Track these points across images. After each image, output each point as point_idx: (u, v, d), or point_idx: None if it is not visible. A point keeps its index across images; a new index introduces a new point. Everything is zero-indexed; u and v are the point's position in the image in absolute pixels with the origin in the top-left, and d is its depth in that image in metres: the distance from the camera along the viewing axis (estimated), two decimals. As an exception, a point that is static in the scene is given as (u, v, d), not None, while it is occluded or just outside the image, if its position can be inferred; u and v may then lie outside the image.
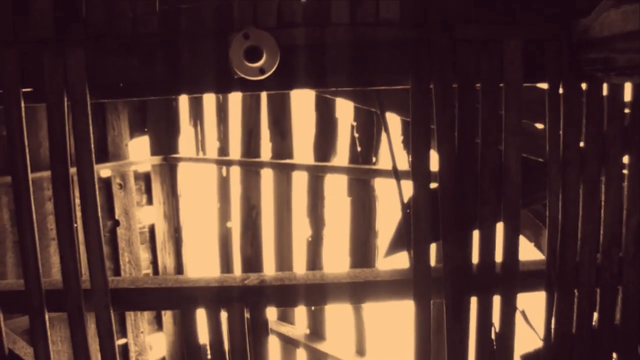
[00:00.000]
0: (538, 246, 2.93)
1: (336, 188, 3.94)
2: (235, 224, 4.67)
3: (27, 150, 2.04)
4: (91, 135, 2.03)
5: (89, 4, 1.99)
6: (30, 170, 2.04)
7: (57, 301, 2.15)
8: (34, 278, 2.12)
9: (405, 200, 2.30)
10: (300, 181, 4.05)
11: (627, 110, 2.13)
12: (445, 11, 2.01)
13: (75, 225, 2.09)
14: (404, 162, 3.28)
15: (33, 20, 1.98)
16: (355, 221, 3.78)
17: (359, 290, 2.18)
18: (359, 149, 3.77)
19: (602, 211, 2.14)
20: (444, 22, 2.01)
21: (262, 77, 1.97)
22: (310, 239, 4.05)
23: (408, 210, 2.21)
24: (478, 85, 2.05)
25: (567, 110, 2.07)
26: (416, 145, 2.09)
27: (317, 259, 3.99)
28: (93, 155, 2.05)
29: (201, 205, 5.32)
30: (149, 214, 5.18)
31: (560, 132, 2.08)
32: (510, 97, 2.05)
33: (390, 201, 3.70)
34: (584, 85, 2.07)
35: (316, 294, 2.19)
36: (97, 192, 2.06)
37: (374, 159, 3.71)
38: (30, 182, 2.06)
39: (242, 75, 1.97)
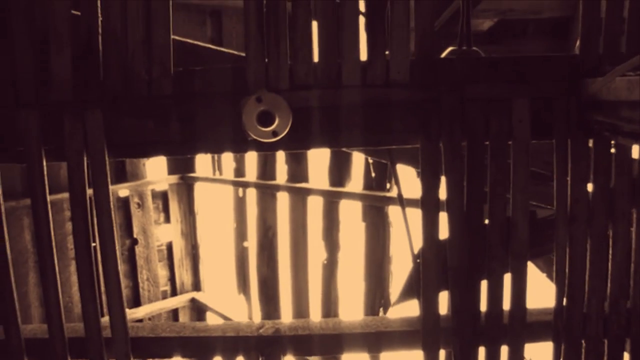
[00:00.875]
0: (550, 277, 2.97)
1: (351, 212, 3.99)
2: (251, 244, 4.76)
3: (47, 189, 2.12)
4: (111, 203, 2.10)
5: (106, 67, 2.06)
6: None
7: (79, 348, 2.24)
8: (57, 328, 2.20)
9: (416, 250, 2.34)
10: (315, 205, 4.11)
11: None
12: (454, 72, 2.05)
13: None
14: (418, 190, 3.32)
15: (53, 85, 2.05)
16: (369, 246, 3.84)
17: (372, 340, 2.23)
18: (373, 174, 3.82)
19: (610, 264, 2.18)
20: (453, 82, 2.04)
21: (275, 139, 2.02)
22: (325, 262, 4.11)
23: (418, 260, 2.26)
24: (487, 142, 2.09)
25: (574, 166, 2.10)
26: (426, 201, 2.13)
27: (332, 282, 4.06)
28: (115, 230, 2.12)
29: (218, 224, 5.41)
30: (166, 232, 5.28)
31: (568, 188, 2.11)
32: (519, 155, 2.09)
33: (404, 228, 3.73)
34: (591, 141, 2.11)
35: (330, 343, 2.25)
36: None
37: (388, 186, 3.76)
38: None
39: (255, 138, 2.03)
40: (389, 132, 2.08)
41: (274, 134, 2.01)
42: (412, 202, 2.67)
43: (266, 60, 2.03)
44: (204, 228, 5.29)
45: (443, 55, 2.23)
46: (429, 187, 2.12)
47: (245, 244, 4.73)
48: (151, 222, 4.98)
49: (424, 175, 2.11)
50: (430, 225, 2.16)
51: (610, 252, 2.16)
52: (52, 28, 2.03)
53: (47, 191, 2.14)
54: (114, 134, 2.10)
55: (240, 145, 2.11)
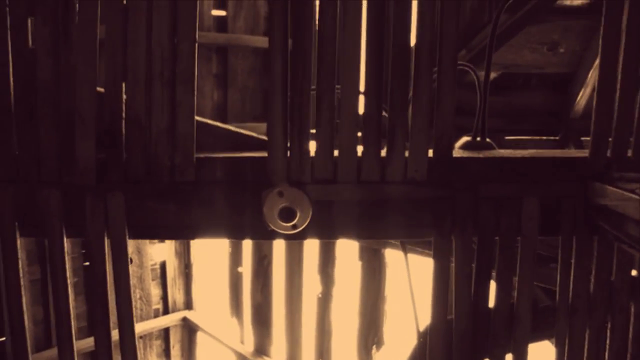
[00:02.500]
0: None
1: (348, 249, 4.07)
2: (246, 270, 4.82)
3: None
4: (130, 280, 2.15)
5: (129, 151, 2.09)
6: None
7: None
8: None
9: (421, 328, 2.43)
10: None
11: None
12: (469, 171, 2.12)
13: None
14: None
15: (77, 168, 2.08)
16: (364, 285, 3.93)
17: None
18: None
19: (607, 353, 2.29)
20: (467, 181, 2.12)
21: (295, 232, 2.09)
22: (320, 295, 4.19)
23: (422, 340, 2.35)
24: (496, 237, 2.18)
25: (578, 262, 2.20)
26: (436, 287, 2.21)
27: (326, 316, 4.15)
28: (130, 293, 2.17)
29: (212, 245, 5.45)
30: (160, 251, 5.32)
31: (571, 283, 2.21)
32: (526, 250, 2.18)
33: (400, 270, 3.83)
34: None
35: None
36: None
37: (384, 227, 3.84)
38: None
39: (275, 229, 2.09)
40: (404, 226, 2.15)
41: (294, 227, 2.07)
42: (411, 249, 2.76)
43: (289, 153, 2.08)
44: (198, 248, 5.34)
45: (458, 143, 2.31)
46: (440, 276, 2.19)
47: (240, 269, 4.79)
48: (145, 242, 5.01)
49: (436, 265, 2.19)
50: (438, 307, 2.24)
51: (608, 342, 2.27)
52: (77, 113, 2.05)
53: (67, 264, 2.18)
54: (134, 216, 2.14)
55: (259, 232, 2.17)
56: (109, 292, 2.18)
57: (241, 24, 4.22)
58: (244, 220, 2.14)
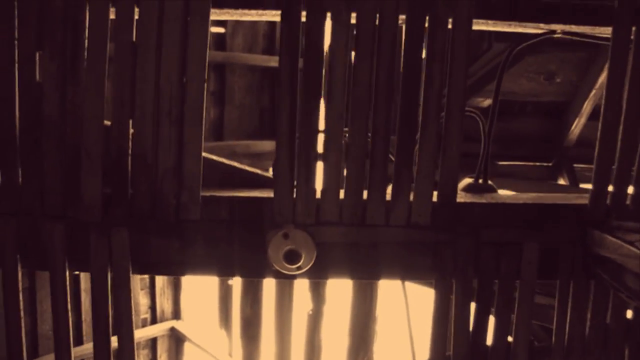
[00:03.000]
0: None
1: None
2: (236, 283, 4.82)
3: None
4: (132, 315, 2.15)
5: (134, 188, 2.09)
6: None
7: None
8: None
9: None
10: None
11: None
12: (471, 216, 2.15)
13: None
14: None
15: (82, 204, 2.07)
16: (355, 304, 3.95)
17: None
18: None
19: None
20: (470, 226, 2.15)
21: (298, 273, 2.10)
22: (310, 312, 4.21)
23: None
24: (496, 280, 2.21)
25: (574, 305, 2.24)
26: (436, 323, 2.24)
27: (316, 333, 4.16)
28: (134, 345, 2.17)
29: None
30: (150, 261, 5.29)
31: (567, 326, 2.25)
32: (524, 294, 2.22)
33: (391, 290, 3.87)
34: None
35: None
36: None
37: (377, 247, 3.86)
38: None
39: (279, 270, 2.10)
40: (406, 268, 2.17)
41: (298, 268, 2.09)
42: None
43: (294, 195, 2.09)
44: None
45: (460, 185, 2.34)
46: (440, 316, 2.22)
47: (230, 282, 4.79)
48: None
49: (436, 306, 2.21)
50: (437, 344, 2.27)
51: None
52: (84, 149, 2.05)
53: (68, 300, 2.18)
54: (139, 252, 2.14)
55: (262, 271, 2.18)
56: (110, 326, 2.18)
57: (239, 41, 4.21)
58: (247, 259, 2.15)
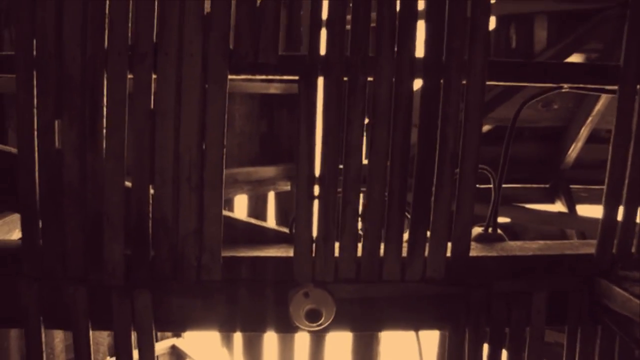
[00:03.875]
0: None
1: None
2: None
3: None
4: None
5: (156, 250, 2.13)
6: None
7: None
8: None
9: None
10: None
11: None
12: (484, 270, 2.22)
13: None
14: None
15: (105, 269, 2.11)
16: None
17: None
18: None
19: None
20: (482, 278, 2.22)
21: (319, 328, 2.17)
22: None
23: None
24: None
25: (582, 350, 2.33)
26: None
27: (319, 354, 4.23)
28: (156, 386, 2.22)
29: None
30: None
31: (575, 368, 2.35)
32: (534, 340, 2.30)
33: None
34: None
35: None
36: None
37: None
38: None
39: (300, 327, 2.16)
40: (420, 319, 2.24)
41: (319, 325, 2.15)
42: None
43: (313, 254, 2.15)
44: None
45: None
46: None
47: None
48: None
49: (449, 354, 2.29)
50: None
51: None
52: (105, 216, 2.08)
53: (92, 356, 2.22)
54: (161, 311, 2.19)
55: (282, 326, 2.24)
56: (135, 384, 2.23)
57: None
58: (268, 315, 2.21)
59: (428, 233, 2.17)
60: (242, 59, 2.03)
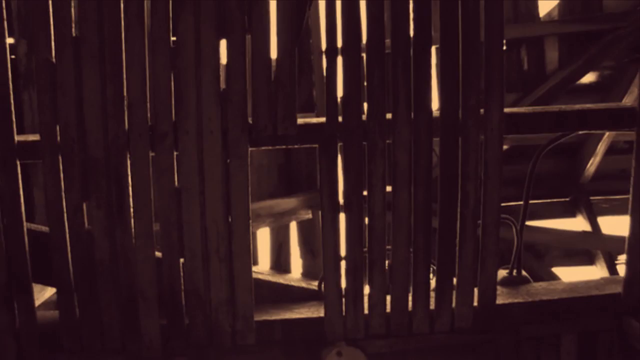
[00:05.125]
0: None
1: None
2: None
3: None
4: None
5: (190, 319, 2.18)
6: None
7: None
8: None
9: None
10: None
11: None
12: (511, 316, 2.25)
13: None
14: None
15: (142, 342, 2.17)
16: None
17: None
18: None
19: None
20: (509, 325, 2.25)
21: (353, 385, 2.21)
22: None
23: None
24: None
25: (614, 386, 2.36)
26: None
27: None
28: None
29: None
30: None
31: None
32: (565, 381, 2.33)
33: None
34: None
35: None
36: None
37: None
38: None
39: (335, 382, 2.22)
40: (451, 368, 2.29)
41: (352, 381, 2.20)
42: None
43: (343, 313, 2.19)
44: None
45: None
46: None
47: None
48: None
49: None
50: None
51: None
52: (139, 292, 2.13)
53: None
54: (198, 375, 2.25)
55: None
56: None
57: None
58: (302, 375, 2.26)
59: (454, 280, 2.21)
60: (261, 132, 2.07)
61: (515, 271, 2.43)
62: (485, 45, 2.03)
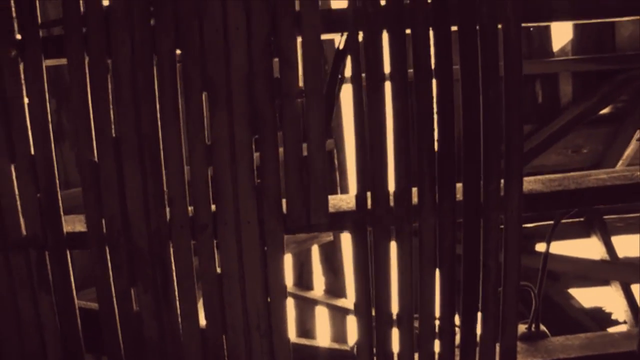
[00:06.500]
0: None
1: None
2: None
3: None
4: None
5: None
6: None
7: None
8: None
9: None
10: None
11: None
12: (533, 375, 2.41)
13: None
14: None
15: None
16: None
17: None
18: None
19: None
20: (532, 383, 2.41)
21: None
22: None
23: None
24: None
25: None
26: None
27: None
28: None
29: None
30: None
31: None
32: None
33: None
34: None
35: None
36: None
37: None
38: None
39: None
40: None
41: None
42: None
43: None
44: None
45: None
46: None
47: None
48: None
49: None
50: None
51: None
52: (186, 367, 2.31)
53: None
54: None
55: None
56: None
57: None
58: None
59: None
60: (295, 221, 2.20)
61: (534, 326, 2.58)
62: (505, 137, 2.14)
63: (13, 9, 2.11)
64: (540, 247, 3.95)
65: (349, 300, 4.47)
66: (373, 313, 2.31)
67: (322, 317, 4.68)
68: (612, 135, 3.71)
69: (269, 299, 2.26)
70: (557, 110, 3.65)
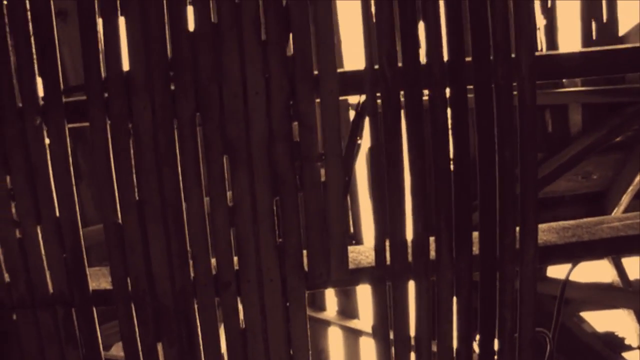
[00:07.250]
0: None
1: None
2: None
3: None
4: None
5: None
6: None
7: None
8: None
9: None
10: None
11: None
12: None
13: None
14: None
15: None
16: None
17: None
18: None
19: None
20: None
21: None
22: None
23: None
24: None
25: None
26: None
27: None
28: None
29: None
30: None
31: None
32: None
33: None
34: None
35: None
36: None
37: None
38: None
39: None
40: None
41: None
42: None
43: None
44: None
45: None
46: None
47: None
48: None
49: None
50: None
51: None
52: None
53: None
54: None
55: None
56: None
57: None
58: None
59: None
60: (316, 278, 2.25)
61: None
62: (521, 194, 2.18)
63: (37, 76, 2.15)
64: (551, 271, 3.98)
65: (361, 322, 4.52)
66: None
67: (335, 338, 4.74)
68: (622, 162, 3.74)
69: (291, 352, 2.32)
70: (567, 139, 3.67)
